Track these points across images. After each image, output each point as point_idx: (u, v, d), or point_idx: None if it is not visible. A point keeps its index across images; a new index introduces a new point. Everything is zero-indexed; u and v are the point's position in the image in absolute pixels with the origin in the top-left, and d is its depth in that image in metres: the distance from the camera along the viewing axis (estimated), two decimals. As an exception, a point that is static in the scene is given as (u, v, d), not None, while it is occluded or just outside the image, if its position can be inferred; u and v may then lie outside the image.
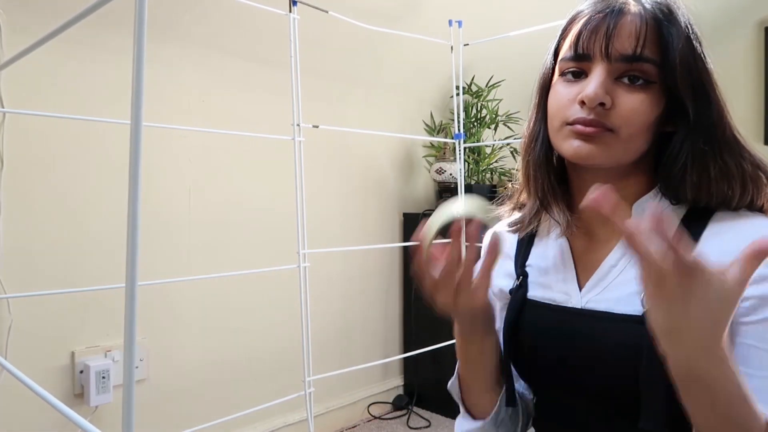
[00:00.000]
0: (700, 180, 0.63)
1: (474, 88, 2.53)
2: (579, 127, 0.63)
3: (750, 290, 0.59)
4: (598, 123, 0.62)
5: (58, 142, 1.58)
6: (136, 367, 1.13)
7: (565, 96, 0.65)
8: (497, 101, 2.54)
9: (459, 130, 2.01)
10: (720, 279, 0.46)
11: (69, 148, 1.60)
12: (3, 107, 1.47)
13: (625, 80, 0.62)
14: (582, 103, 0.63)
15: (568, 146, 0.64)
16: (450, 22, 1.97)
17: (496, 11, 2.31)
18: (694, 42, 0.63)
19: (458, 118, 2.02)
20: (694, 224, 0.64)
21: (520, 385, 0.79)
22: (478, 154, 2.56)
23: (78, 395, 1.62)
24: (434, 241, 0.59)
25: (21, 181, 1.52)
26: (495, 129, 2.60)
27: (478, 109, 2.54)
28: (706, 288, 0.46)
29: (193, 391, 1.87)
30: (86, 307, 1.63)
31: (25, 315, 1.52)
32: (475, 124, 2.54)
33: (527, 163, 0.74)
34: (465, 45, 2.01)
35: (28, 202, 1.53)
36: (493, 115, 2.53)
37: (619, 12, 0.62)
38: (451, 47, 1.99)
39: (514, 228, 0.77)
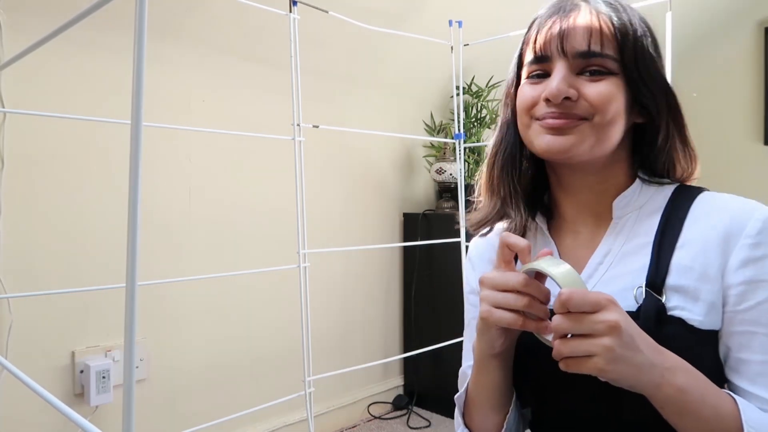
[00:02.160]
0: (682, 161, 0.69)
1: (474, 88, 2.53)
2: (549, 121, 0.64)
3: (735, 276, 0.60)
4: (569, 114, 0.63)
5: (58, 142, 1.58)
6: (136, 367, 1.13)
7: (530, 95, 0.66)
8: (497, 101, 2.53)
9: (459, 130, 2.01)
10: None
11: (69, 148, 1.60)
12: (3, 107, 1.47)
13: (587, 74, 0.64)
14: (547, 100, 0.64)
15: (540, 141, 0.65)
16: (450, 22, 1.97)
17: (496, 11, 2.31)
18: (646, 34, 0.66)
19: (458, 118, 2.02)
20: (676, 212, 0.66)
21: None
22: (478, 154, 2.56)
23: (78, 395, 1.62)
24: (526, 269, 0.60)
25: (21, 181, 1.52)
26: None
27: (478, 109, 2.54)
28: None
29: (193, 391, 1.87)
30: (86, 307, 1.63)
31: (26, 315, 1.52)
32: (475, 124, 2.54)
33: (492, 166, 0.75)
34: (465, 45, 2.01)
35: (28, 202, 1.53)
36: (493, 115, 2.53)
37: (571, 11, 0.64)
38: (451, 47, 1.99)
39: (479, 229, 0.78)
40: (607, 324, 0.52)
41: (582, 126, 0.63)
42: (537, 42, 0.65)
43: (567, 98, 0.63)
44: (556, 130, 0.63)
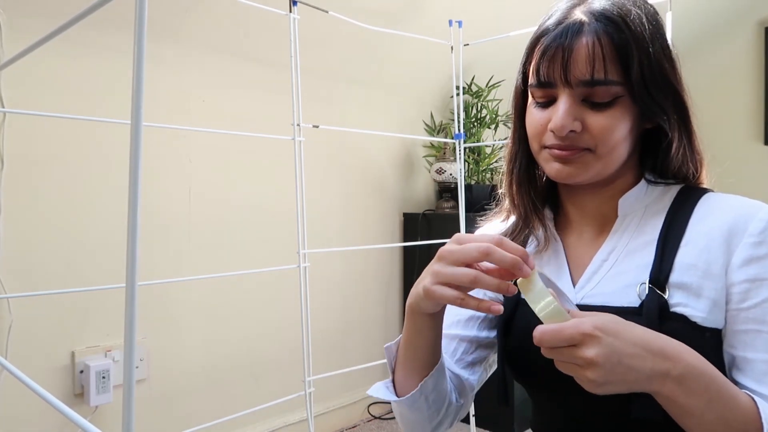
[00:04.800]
0: (690, 166, 0.69)
1: (474, 88, 2.53)
2: (555, 151, 0.66)
3: (738, 274, 0.61)
4: (573, 146, 0.65)
5: (58, 142, 1.58)
6: (136, 367, 1.13)
7: (538, 121, 0.68)
8: (497, 101, 2.54)
9: (459, 130, 2.01)
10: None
11: (69, 148, 1.60)
12: (3, 107, 1.47)
13: (592, 100, 0.64)
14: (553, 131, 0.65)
15: (550, 168, 0.68)
16: (450, 22, 1.97)
17: (496, 11, 2.31)
18: (653, 43, 0.63)
19: (458, 118, 2.02)
20: (681, 211, 0.67)
21: (466, 372, 0.78)
22: (478, 154, 2.56)
23: (78, 395, 1.62)
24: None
25: (21, 181, 1.52)
26: (495, 129, 2.60)
27: (478, 109, 2.54)
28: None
29: (193, 391, 1.87)
30: (86, 307, 1.63)
31: (25, 315, 1.52)
32: (475, 124, 2.54)
33: (510, 181, 0.76)
34: (465, 45, 2.01)
35: (28, 202, 1.53)
36: (493, 115, 2.53)
37: (574, 35, 0.63)
38: (451, 47, 1.99)
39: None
40: (584, 360, 0.52)
41: (586, 156, 0.65)
42: (541, 67, 0.65)
43: (572, 131, 0.64)
44: (562, 160, 0.66)
